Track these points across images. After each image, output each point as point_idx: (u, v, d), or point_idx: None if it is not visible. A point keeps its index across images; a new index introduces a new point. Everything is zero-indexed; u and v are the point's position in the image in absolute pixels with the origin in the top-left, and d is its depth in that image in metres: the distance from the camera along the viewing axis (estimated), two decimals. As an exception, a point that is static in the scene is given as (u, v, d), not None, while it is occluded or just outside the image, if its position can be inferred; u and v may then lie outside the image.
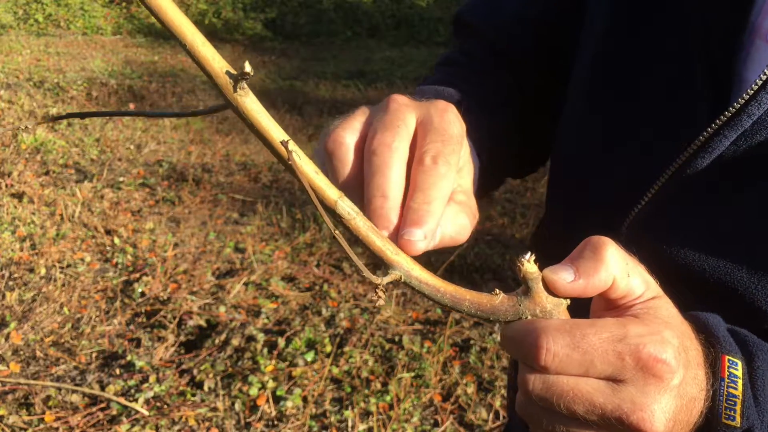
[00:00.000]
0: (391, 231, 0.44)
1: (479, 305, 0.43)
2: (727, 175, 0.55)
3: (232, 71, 0.36)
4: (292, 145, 0.39)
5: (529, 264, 0.42)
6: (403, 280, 0.43)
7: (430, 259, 3.19)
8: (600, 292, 0.43)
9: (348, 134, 0.48)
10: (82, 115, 0.41)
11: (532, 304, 0.42)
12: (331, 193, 0.41)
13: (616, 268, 0.42)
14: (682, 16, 0.60)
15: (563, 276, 0.42)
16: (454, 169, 0.47)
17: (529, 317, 0.43)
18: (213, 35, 9.51)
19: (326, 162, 0.49)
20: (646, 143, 0.61)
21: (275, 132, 0.39)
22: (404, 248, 0.43)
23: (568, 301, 0.43)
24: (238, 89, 0.37)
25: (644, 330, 0.41)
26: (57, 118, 0.41)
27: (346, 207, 0.42)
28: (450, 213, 0.48)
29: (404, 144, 0.47)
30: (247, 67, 0.35)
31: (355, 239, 0.44)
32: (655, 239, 0.58)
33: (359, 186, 0.47)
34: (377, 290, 0.42)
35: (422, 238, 0.43)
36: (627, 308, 0.44)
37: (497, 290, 0.43)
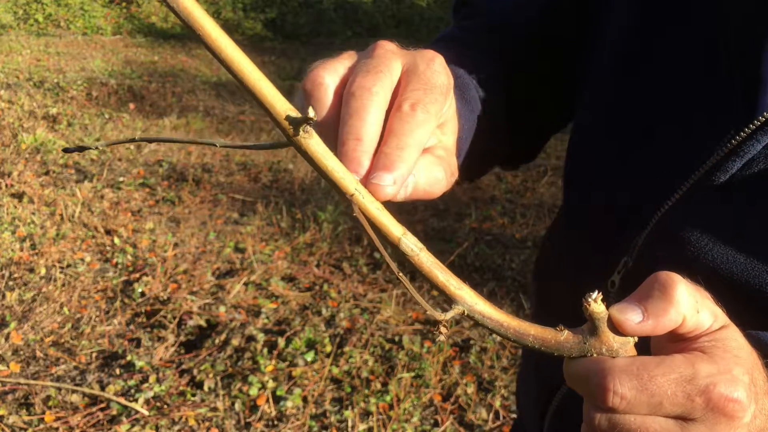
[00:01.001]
0: (361, 175, 0.42)
1: (543, 341, 0.43)
2: (757, 177, 0.54)
3: (296, 115, 0.37)
4: (358, 185, 0.40)
5: (596, 304, 0.41)
6: (466, 315, 0.42)
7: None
8: (669, 331, 0.42)
9: (328, 75, 0.47)
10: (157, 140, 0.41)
11: (598, 342, 0.42)
12: (395, 230, 0.41)
13: (686, 306, 0.41)
14: (709, 16, 0.58)
15: (631, 317, 0.41)
16: (434, 119, 0.46)
17: (595, 355, 0.42)
18: (213, 35, 9.46)
19: (304, 102, 0.47)
20: (673, 144, 0.60)
21: (338, 171, 0.39)
22: (373, 193, 0.41)
23: (636, 338, 0.42)
24: (301, 131, 0.37)
25: (714, 369, 0.40)
26: (129, 141, 0.42)
27: (410, 243, 0.41)
28: (425, 163, 0.47)
29: (385, 90, 0.45)
30: (311, 113, 0.36)
31: (416, 275, 0.43)
32: (681, 241, 0.57)
33: (335, 129, 0.45)
34: (440, 326, 0.42)
35: (391, 183, 0.42)
36: (694, 341, 0.42)
37: (561, 326, 0.43)
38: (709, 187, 0.55)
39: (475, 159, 0.67)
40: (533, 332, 0.42)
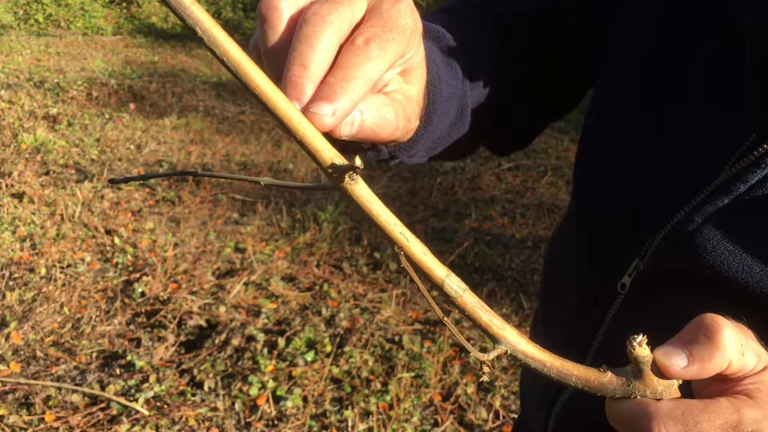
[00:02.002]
0: (303, 103, 0.40)
1: (587, 381, 0.43)
2: None
3: (343, 162, 0.37)
4: (402, 229, 0.40)
5: (640, 348, 0.41)
6: (509, 354, 0.42)
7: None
8: (714, 374, 0.41)
9: (284, 0, 0.44)
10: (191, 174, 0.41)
11: (642, 385, 0.42)
12: (439, 272, 0.41)
13: (732, 351, 0.40)
14: (727, 16, 0.57)
15: (676, 361, 0.41)
16: (389, 57, 0.43)
17: (639, 397, 0.42)
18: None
19: (257, 28, 0.45)
20: (692, 149, 0.59)
21: (385, 216, 0.40)
22: (312, 122, 0.39)
23: (680, 381, 0.42)
24: (347, 178, 0.38)
25: (759, 414, 0.39)
26: (161, 175, 0.43)
27: (453, 285, 0.41)
28: (375, 102, 0.45)
29: (341, 20, 0.43)
30: (357, 161, 0.36)
31: (459, 316, 0.43)
32: (696, 247, 0.56)
33: (285, 57, 0.42)
34: (483, 365, 0.42)
35: (330, 114, 0.40)
36: (738, 382, 0.42)
37: (605, 367, 0.43)
38: (728, 196, 0.55)
39: (458, 133, 0.65)
40: (576, 373, 0.43)
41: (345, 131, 0.43)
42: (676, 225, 0.58)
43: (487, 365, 0.42)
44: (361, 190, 0.39)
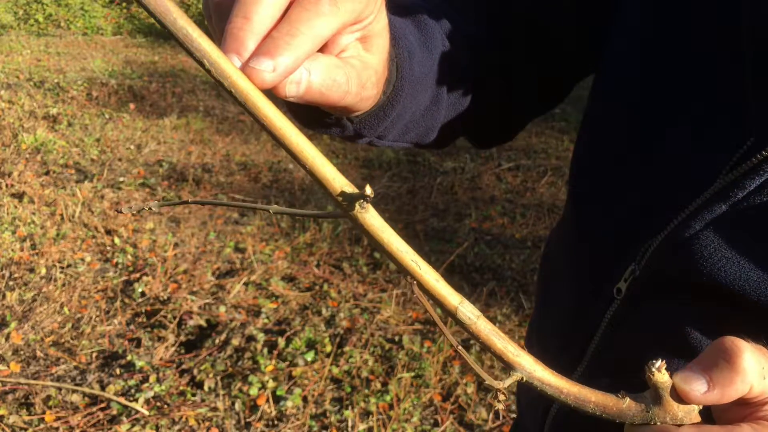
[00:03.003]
0: (243, 57, 0.37)
1: (605, 408, 0.42)
2: None
3: (353, 191, 0.37)
4: (414, 256, 0.40)
5: (660, 374, 0.41)
6: (524, 381, 0.42)
7: (430, 259, 3.19)
8: (735, 399, 0.41)
9: None
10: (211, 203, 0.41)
11: (662, 411, 0.41)
12: (452, 299, 0.40)
13: (753, 375, 0.39)
14: (727, 17, 0.56)
15: (696, 387, 0.40)
16: (343, 15, 0.40)
17: (659, 424, 0.42)
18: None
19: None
20: (690, 153, 0.58)
21: (396, 244, 0.39)
22: (250, 78, 0.36)
23: (700, 406, 0.42)
24: (357, 206, 0.37)
25: None
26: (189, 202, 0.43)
27: (467, 312, 0.41)
28: (325, 62, 0.42)
29: None
30: (368, 190, 0.36)
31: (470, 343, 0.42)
32: (693, 254, 0.55)
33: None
34: (498, 394, 0.41)
35: (270, 70, 0.37)
36: (759, 406, 0.41)
37: (623, 393, 0.42)
38: (726, 202, 0.54)
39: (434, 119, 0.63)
40: (594, 399, 0.42)
41: (291, 90, 0.40)
42: (673, 231, 0.57)
43: (503, 393, 0.41)
44: (371, 218, 0.38)
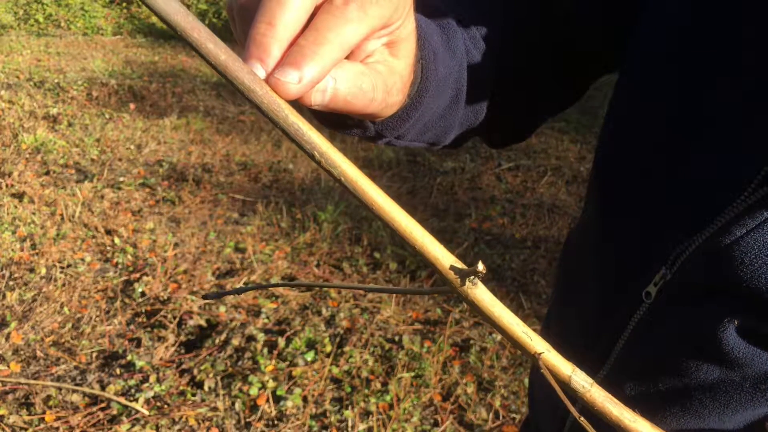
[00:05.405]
0: (268, 66, 0.35)
1: None
2: None
3: (463, 268, 0.38)
4: (525, 328, 0.40)
5: None
6: None
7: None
8: None
9: None
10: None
11: None
12: (565, 368, 0.40)
13: None
14: (763, 24, 0.53)
15: None
16: (370, 20, 0.38)
17: None
18: (213, 35, 9.46)
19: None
20: (731, 155, 0.55)
21: (507, 318, 0.39)
22: (275, 90, 0.35)
23: None
24: (468, 282, 0.38)
25: None
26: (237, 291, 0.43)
27: (580, 380, 0.40)
28: (350, 70, 0.41)
29: None
30: (480, 266, 0.36)
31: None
32: (732, 259, 0.53)
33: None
34: None
35: (296, 81, 0.35)
36: None
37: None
38: (761, 211, 0.52)
39: (453, 119, 0.62)
40: None
41: (316, 99, 0.39)
42: (712, 236, 0.54)
43: None
44: (482, 293, 0.38)
